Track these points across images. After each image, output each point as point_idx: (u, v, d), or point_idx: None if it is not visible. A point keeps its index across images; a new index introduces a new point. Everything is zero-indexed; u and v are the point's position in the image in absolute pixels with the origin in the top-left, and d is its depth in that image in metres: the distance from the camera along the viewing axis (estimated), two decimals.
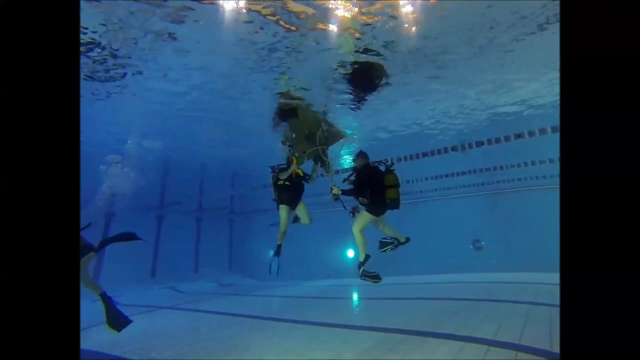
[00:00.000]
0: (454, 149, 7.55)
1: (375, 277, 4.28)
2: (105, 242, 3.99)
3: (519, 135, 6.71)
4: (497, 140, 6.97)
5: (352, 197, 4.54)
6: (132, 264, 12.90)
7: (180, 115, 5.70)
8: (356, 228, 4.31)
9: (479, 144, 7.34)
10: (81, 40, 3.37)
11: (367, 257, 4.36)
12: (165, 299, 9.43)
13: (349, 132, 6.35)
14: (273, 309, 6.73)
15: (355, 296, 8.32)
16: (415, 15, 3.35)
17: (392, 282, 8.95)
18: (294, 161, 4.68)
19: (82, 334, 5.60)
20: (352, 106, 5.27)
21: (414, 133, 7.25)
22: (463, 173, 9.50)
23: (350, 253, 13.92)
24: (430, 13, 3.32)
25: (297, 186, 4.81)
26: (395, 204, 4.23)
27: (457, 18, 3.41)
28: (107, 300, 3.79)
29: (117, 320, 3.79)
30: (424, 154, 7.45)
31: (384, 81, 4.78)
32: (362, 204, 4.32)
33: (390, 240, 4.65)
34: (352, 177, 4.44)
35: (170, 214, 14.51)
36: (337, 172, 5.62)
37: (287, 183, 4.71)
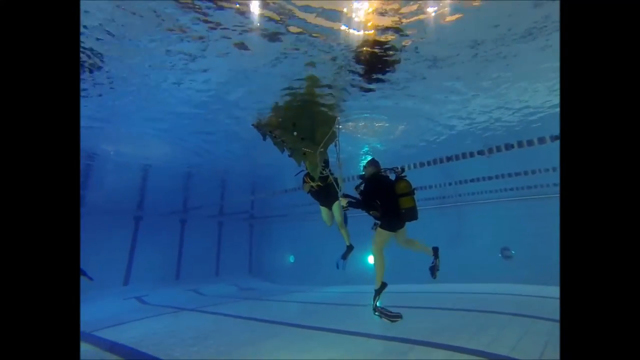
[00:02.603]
0: (480, 152, 7.34)
1: (395, 317, 3.89)
2: None
3: (557, 138, 6.38)
4: (530, 143, 6.67)
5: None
6: (160, 266, 13.60)
7: (199, 126, 5.95)
8: (375, 248, 3.96)
9: (509, 146, 7.08)
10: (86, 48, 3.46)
11: (384, 285, 3.97)
12: (188, 301, 9.80)
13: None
14: (291, 315, 6.81)
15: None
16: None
17: (414, 290, 8.77)
18: (307, 181, 4.73)
19: (115, 330, 6.01)
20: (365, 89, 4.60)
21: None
22: (490, 178, 9.17)
23: (371, 259, 13.78)
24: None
25: (324, 190, 4.86)
26: (411, 214, 3.83)
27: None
28: None
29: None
30: (453, 158, 7.29)
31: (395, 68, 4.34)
32: (374, 217, 3.99)
33: (434, 264, 4.23)
34: (361, 188, 4.14)
35: (192, 218, 15.11)
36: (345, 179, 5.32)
37: (314, 189, 4.81)
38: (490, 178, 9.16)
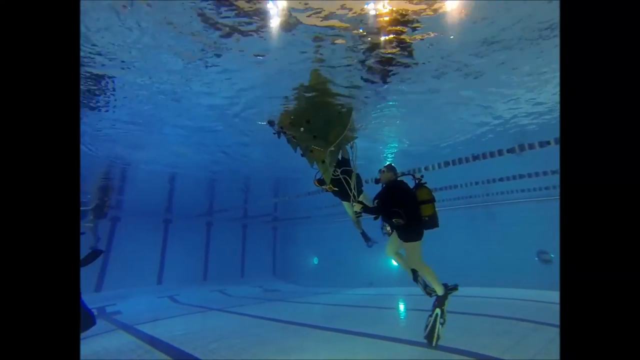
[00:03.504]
0: (510, 150, 7.08)
1: (437, 339, 3.84)
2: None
3: None
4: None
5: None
6: (188, 267, 14.37)
7: (221, 132, 6.20)
8: (417, 262, 3.84)
9: (544, 143, 6.77)
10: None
11: (447, 288, 3.91)
12: (215, 301, 10.26)
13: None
14: (316, 317, 6.93)
15: (401, 306, 8.15)
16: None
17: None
18: (317, 184, 4.75)
19: (153, 325, 6.51)
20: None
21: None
22: (522, 176, 8.78)
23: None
24: None
25: (341, 189, 4.86)
26: (433, 221, 3.79)
27: None
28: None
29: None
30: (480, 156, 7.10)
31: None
32: (395, 226, 3.81)
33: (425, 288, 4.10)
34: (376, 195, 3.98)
35: (218, 221, 15.75)
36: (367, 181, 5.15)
37: (335, 189, 4.82)
38: (522, 176, 8.78)
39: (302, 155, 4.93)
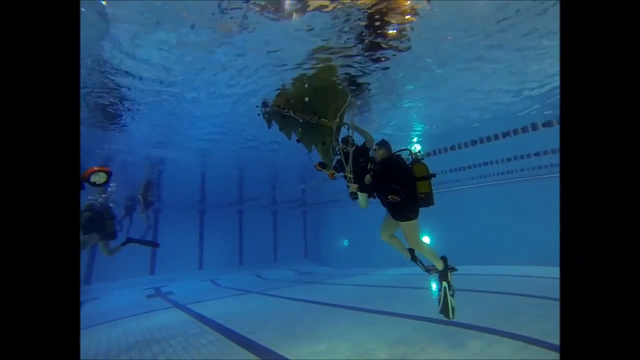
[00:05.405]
0: (546, 124, 6.77)
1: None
2: (132, 240, 5.83)
3: None
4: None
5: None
6: (225, 253, 15.61)
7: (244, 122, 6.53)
8: (416, 241, 3.79)
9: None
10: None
11: (445, 259, 3.88)
12: (252, 284, 11.14)
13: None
14: (348, 298, 7.36)
15: (433, 286, 8.36)
16: None
17: (475, 272, 8.64)
18: (318, 168, 4.79)
19: (201, 305, 7.37)
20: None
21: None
22: (545, 152, 8.34)
23: (426, 239, 13.69)
24: None
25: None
26: (429, 199, 3.65)
27: None
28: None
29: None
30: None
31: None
32: (391, 204, 3.67)
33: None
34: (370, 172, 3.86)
35: (249, 209, 16.64)
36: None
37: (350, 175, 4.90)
38: (554, 151, 8.37)
39: (298, 140, 4.89)
